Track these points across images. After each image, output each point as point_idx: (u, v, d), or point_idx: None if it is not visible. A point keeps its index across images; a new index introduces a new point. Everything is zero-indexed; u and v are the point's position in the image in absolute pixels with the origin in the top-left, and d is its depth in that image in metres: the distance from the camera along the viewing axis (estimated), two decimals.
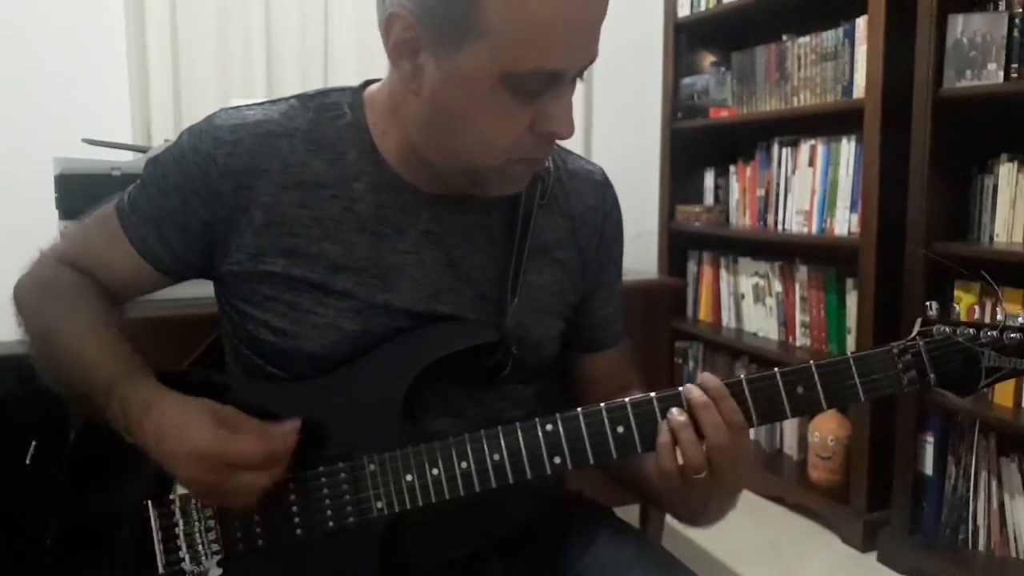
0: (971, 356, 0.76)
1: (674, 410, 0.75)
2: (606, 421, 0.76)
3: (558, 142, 0.82)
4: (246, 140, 0.81)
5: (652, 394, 0.77)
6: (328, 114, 0.84)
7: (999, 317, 0.77)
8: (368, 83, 0.87)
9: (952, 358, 0.76)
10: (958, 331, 0.76)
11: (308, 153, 0.82)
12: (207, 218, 0.81)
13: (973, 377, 0.76)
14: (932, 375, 0.76)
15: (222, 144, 0.81)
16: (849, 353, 0.76)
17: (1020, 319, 0.76)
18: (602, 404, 0.77)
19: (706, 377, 0.76)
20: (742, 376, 0.76)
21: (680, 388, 0.76)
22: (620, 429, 0.76)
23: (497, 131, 0.73)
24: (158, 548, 0.80)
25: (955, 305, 0.80)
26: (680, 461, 0.74)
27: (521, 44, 0.68)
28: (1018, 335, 0.75)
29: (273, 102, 0.85)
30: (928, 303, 0.78)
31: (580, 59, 0.72)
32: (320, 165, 0.82)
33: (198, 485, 0.76)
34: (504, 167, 0.76)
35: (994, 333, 0.76)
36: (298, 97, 0.85)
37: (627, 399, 0.77)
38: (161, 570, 0.79)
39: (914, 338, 0.77)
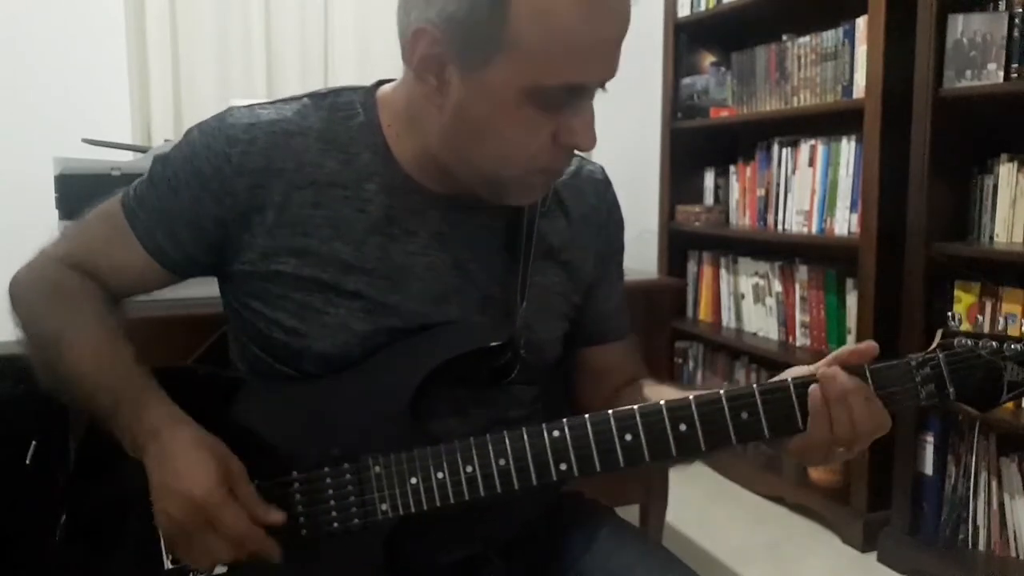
0: (993, 369, 0.74)
1: (815, 388, 0.74)
2: (614, 429, 0.76)
3: None
4: (261, 139, 0.81)
5: (661, 401, 0.76)
6: (341, 114, 0.84)
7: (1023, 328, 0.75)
8: (381, 82, 0.87)
9: (973, 372, 0.74)
10: (980, 344, 0.74)
11: (322, 153, 0.82)
12: (220, 216, 0.81)
13: (994, 392, 0.74)
14: (951, 389, 0.74)
15: (236, 143, 0.80)
16: (867, 364, 0.75)
17: None
18: (610, 411, 0.76)
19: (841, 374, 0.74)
20: (754, 385, 0.75)
21: (695, 398, 0.75)
22: (628, 437, 0.75)
23: (520, 143, 0.74)
24: (164, 546, 0.80)
25: (979, 317, 0.78)
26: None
27: (548, 58, 0.69)
28: None
29: (285, 101, 0.85)
30: (950, 314, 0.77)
31: (603, 72, 0.74)
32: (334, 165, 0.82)
33: (170, 524, 0.74)
34: (524, 177, 0.77)
35: (1017, 347, 0.74)
36: (310, 96, 0.85)
37: (636, 407, 0.76)
38: (167, 566, 0.79)
39: (934, 350, 0.75)
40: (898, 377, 0.75)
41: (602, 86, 0.76)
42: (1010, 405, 1.82)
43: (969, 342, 0.75)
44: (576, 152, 0.96)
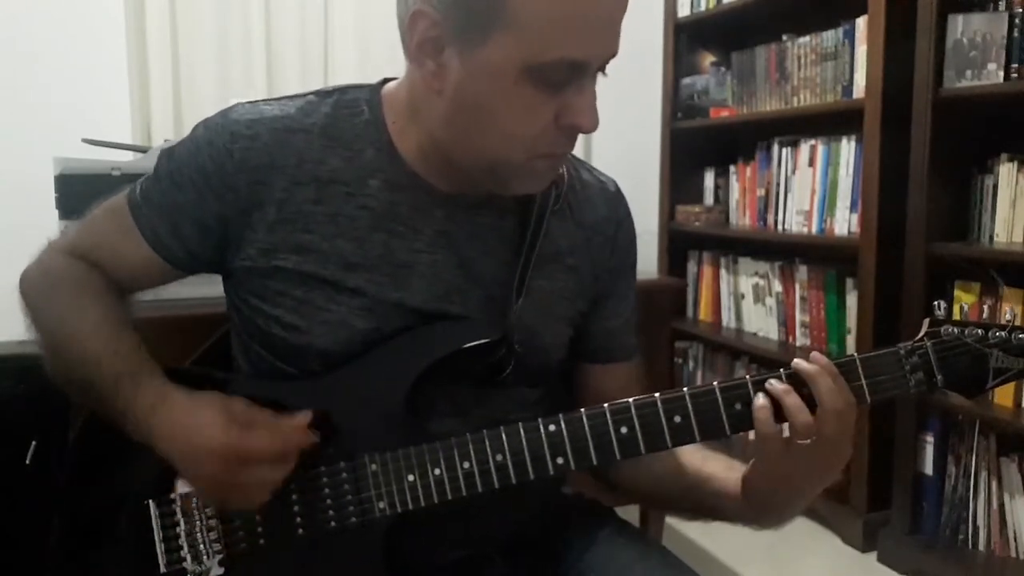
0: (979, 357, 0.75)
1: (773, 380, 0.74)
2: (610, 422, 0.76)
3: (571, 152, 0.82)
4: (263, 135, 0.81)
5: (656, 395, 0.76)
6: (346, 111, 0.84)
7: (1007, 318, 0.76)
8: (386, 81, 0.87)
9: (960, 359, 0.75)
10: (966, 332, 0.75)
11: (325, 149, 0.82)
12: (221, 212, 0.81)
13: (981, 378, 0.75)
14: (939, 376, 0.75)
15: (239, 139, 0.80)
16: (856, 354, 0.76)
17: None
18: (606, 405, 0.77)
19: (815, 356, 0.75)
20: (747, 377, 0.76)
21: (689, 390, 0.76)
22: (624, 430, 0.76)
23: (522, 125, 0.73)
24: (159, 548, 0.80)
25: (964, 306, 0.79)
26: (786, 431, 0.73)
27: (546, 34, 0.68)
28: None
29: (291, 98, 0.85)
30: (936, 303, 0.78)
31: (603, 50, 0.73)
32: (336, 162, 0.81)
33: (208, 482, 0.76)
34: (528, 163, 0.76)
35: (1002, 334, 0.75)
36: (316, 93, 0.85)
37: (631, 399, 0.76)
38: (163, 570, 0.79)
39: (922, 339, 0.76)
40: (887, 366, 0.76)
41: (603, 68, 0.75)
42: (1010, 404, 1.83)
43: (955, 330, 0.76)
44: (592, 166, 0.96)
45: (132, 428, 0.77)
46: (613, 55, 0.74)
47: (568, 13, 0.68)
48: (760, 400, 0.74)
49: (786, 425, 0.74)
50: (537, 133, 0.74)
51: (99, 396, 0.79)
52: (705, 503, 0.85)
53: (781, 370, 0.76)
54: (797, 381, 0.74)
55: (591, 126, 0.74)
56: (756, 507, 0.81)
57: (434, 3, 0.70)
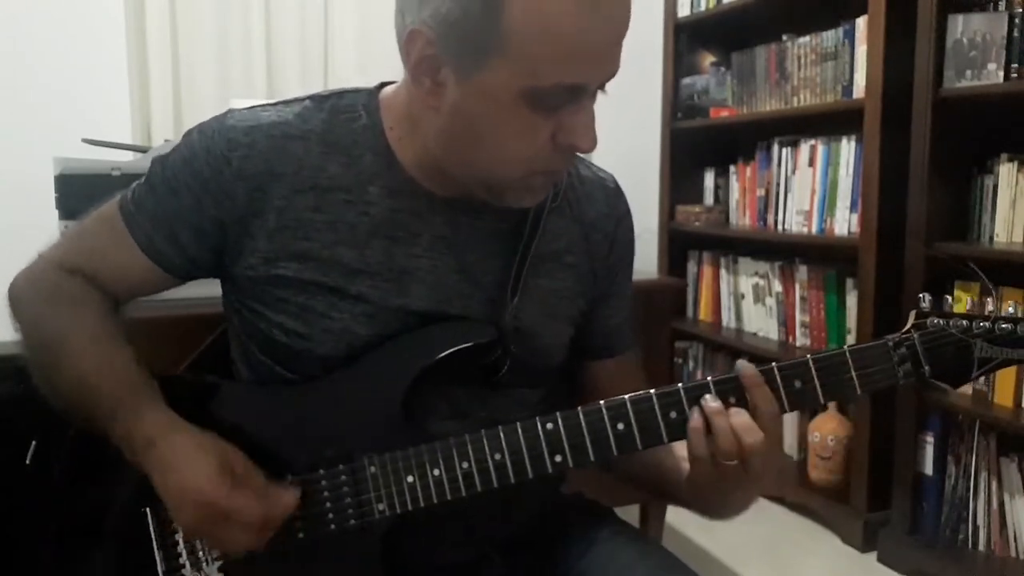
0: (963, 347, 0.77)
1: (708, 396, 0.75)
2: (606, 419, 0.76)
3: None
4: (261, 142, 0.80)
5: (652, 391, 0.77)
6: (343, 116, 0.83)
7: (989, 308, 0.77)
8: (383, 85, 0.87)
9: (945, 350, 0.77)
10: (951, 323, 0.77)
11: (323, 156, 0.81)
12: (219, 218, 0.80)
13: (965, 368, 0.77)
14: (926, 367, 0.77)
15: (237, 146, 0.80)
16: (845, 346, 0.77)
17: (1011, 310, 0.76)
18: (602, 402, 0.77)
19: (742, 364, 0.76)
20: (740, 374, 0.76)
21: (684, 385, 0.76)
22: (620, 426, 0.76)
23: (518, 146, 0.73)
24: (157, 555, 0.79)
25: (947, 298, 0.80)
26: (711, 448, 0.74)
27: (542, 60, 0.68)
28: (1009, 326, 0.76)
29: (287, 103, 0.84)
30: (921, 295, 0.79)
31: (602, 73, 0.72)
32: (335, 168, 0.81)
33: (190, 526, 0.76)
34: (524, 179, 0.76)
35: (986, 324, 0.76)
36: (312, 98, 0.84)
37: (627, 396, 0.76)
38: (160, 573, 0.79)
39: (908, 330, 0.77)
40: (876, 358, 0.77)
41: (602, 87, 0.74)
42: (1010, 404, 1.83)
43: (941, 322, 0.77)
44: (591, 162, 0.95)
45: (128, 456, 0.77)
46: (613, 75, 0.73)
47: (565, 39, 0.67)
48: (696, 423, 0.74)
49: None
50: (534, 153, 0.73)
51: (92, 417, 0.78)
52: (677, 493, 0.86)
53: (774, 365, 0.76)
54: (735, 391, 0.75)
55: (589, 147, 0.74)
56: (700, 504, 0.83)
57: (430, 23, 0.69)
